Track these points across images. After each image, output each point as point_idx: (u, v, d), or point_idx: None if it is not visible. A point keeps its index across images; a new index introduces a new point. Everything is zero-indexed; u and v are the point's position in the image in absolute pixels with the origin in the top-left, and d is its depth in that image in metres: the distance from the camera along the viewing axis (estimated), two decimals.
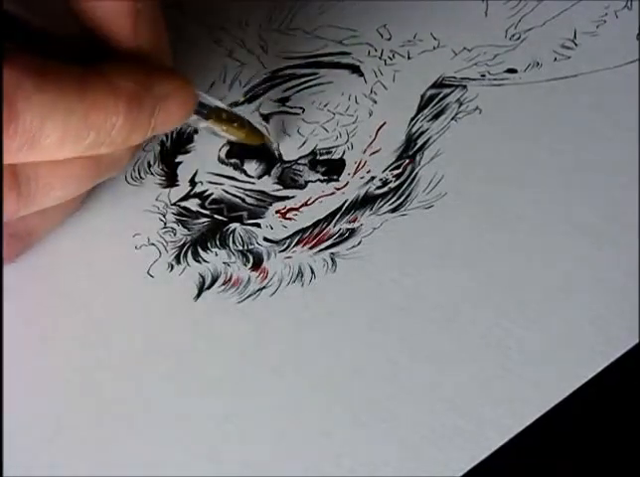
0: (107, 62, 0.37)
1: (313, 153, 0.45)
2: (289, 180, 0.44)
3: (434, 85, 0.46)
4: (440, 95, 0.46)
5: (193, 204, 0.44)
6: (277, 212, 0.43)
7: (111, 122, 0.37)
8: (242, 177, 0.45)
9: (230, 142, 0.46)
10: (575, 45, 0.46)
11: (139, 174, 0.45)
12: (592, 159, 0.43)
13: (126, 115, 0.37)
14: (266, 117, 0.47)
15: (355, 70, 0.48)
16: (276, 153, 0.45)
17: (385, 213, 0.42)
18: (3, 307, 0.41)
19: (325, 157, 0.45)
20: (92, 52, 0.38)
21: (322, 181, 0.44)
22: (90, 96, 0.36)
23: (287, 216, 0.43)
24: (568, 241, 0.40)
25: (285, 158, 0.45)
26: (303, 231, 0.42)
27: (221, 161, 0.45)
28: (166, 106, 0.39)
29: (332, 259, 0.41)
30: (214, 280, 0.41)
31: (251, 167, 0.45)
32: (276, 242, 0.42)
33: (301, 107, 0.46)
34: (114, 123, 0.37)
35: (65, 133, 0.35)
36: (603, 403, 0.37)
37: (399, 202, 0.43)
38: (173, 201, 0.44)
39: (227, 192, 0.44)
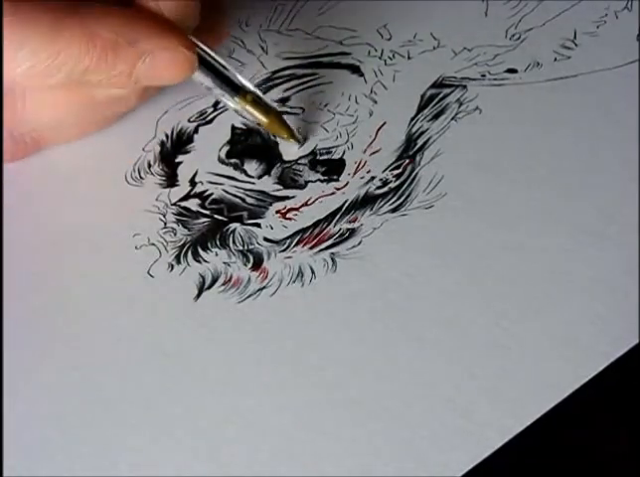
0: (97, 7, 0.39)
1: (313, 153, 0.45)
2: (289, 180, 0.44)
3: (434, 85, 0.46)
4: (440, 95, 0.46)
5: (193, 204, 0.44)
6: (277, 212, 0.43)
7: (83, 66, 0.39)
8: (243, 177, 0.45)
9: (230, 142, 0.46)
10: (576, 45, 0.46)
11: (139, 174, 0.45)
12: (592, 159, 0.43)
13: (99, 61, 0.39)
14: None
15: (355, 70, 0.48)
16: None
17: (385, 213, 0.42)
18: (3, 308, 0.41)
19: (325, 157, 0.45)
20: None
21: (322, 181, 0.44)
22: (62, 40, 0.39)
23: (287, 216, 0.43)
24: (569, 241, 0.40)
25: (285, 158, 0.45)
26: (303, 231, 0.42)
27: (221, 161, 0.45)
28: (152, 62, 0.40)
29: (332, 259, 0.41)
30: (214, 280, 0.41)
31: (252, 167, 0.45)
32: (276, 242, 0.42)
33: (301, 107, 0.46)
34: (87, 67, 0.39)
35: (34, 67, 0.39)
36: (603, 403, 0.37)
37: (399, 202, 0.43)
38: (173, 201, 0.44)
39: (227, 192, 0.44)
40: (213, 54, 0.43)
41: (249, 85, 0.44)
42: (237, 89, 0.44)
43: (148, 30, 0.40)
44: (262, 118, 0.44)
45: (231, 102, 0.44)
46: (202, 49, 0.43)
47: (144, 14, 0.41)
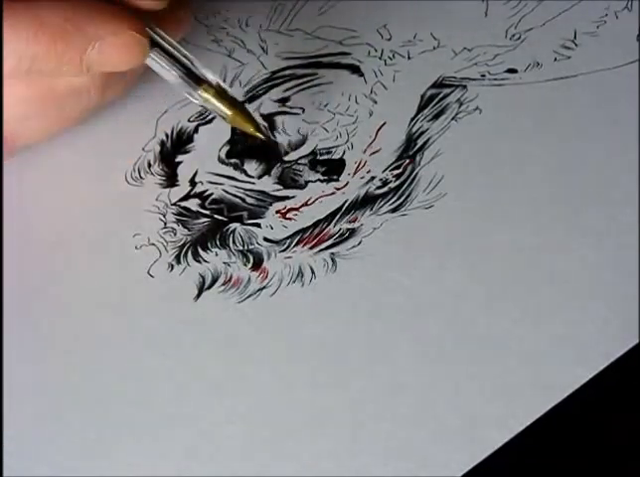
0: None
1: (313, 153, 0.45)
2: (289, 180, 0.44)
3: (434, 85, 0.46)
4: (440, 95, 0.46)
5: (193, 204, 0.44)
6: (277, 212, 0.43)
7: (31, 53, 0.39)
8: (243, 177, 0.45)
9: (230, 142, 0.46)
10: (576, 45, 0.46)
11: (139, 174, 0.45)
12: (592, 159, 0.43)
13: (48, 49, 0.39)
14: (267, 117, 0.46)
15: (355, 70, 0.48)
16: (281, 149, 0.45)
17: (385, 213, 0.42)
18: (3, 311, 0.41)
19: (325, 157, 0.45)
20: None
21: (322, 181, 0.44)
22: (11, 26, 0.39)
23: (287, 216, 0.43)
24: (569, 241, 0.40)
25: (285, 158, 0.45)
26: (303, 231, 0.42)
27: (221, 161, 0.45)
28: (102, 47, 0.40)
29: (332, 259, 0.41)
30: (214, 280, 0.41)
31: (252, 167, 0.45)
32: (276, 242, 0.42)
33: (301, 108, 0.46)
34: (35, 55, 0.39)
35: None
36: (603, 403, 0.37)
37: (399, 202, 0.43)
38: (173, 201, 0.44)
39: (227, 192, 0.44)
40: (174, 43, 0.43)
41: (213, 77, 0.43)
42: (199, 82, 0.43)
43: (97, 15, 0.40)
44: (226, 111, 0.43)
45: (194, 95, 0.43)
46: (163, 39, 0.42)
47: (94, 0, 0.40)
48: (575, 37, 0.47)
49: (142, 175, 0.45)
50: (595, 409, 0.37)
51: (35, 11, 0.39)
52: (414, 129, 0.45)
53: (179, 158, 0.46)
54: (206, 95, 0.43)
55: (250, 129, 0.44)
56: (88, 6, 0.40)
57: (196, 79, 0.43)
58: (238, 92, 0.48)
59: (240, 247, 0.42)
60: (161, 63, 0.43)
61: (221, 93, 0.43)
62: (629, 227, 0.41)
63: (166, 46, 0.43)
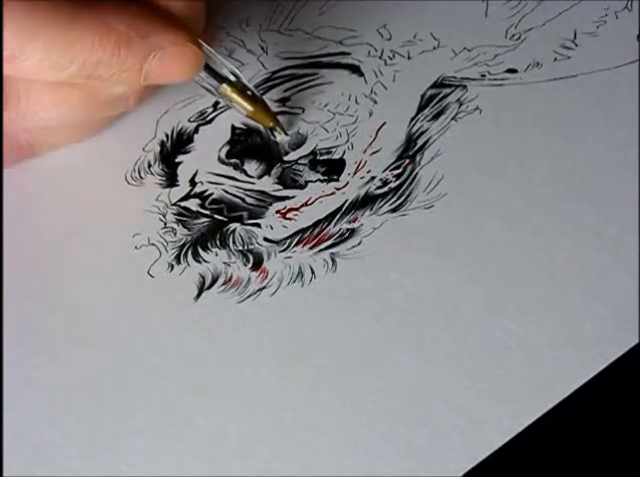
0: (111, 1, 0.39)
1: (313, 153, 0.45)
2: (289, 180, 0.44)
3: (434, 85, 0.46)
4: (440, 95, 0.46)
5: (193, 204, 0.44)
6: (277, 212, 0.43)
7: (96, 58, 0.39)
8: (243, 177, 0.45)
9: (230, 142, 0.46)
10: (576, 45, 0.46)
11: (139, 174, 0.45)
12: (592, 159, 0.43)
13: (112, 54, 0.39)
14: None
15: (355, 70, 0.48)
16: (281, 149, 0.45)
17: (385, 213, 0.42)
18: (3, 308, 0.41)
19: (325, 157, 0.45)
20: None
21: (322, 181, 0.44)
22: (77, 31, 0.38)
23: (287, 216, 0.43)
24: (569, 241, 0.40)
25: (285, 158, 0.45)
26: (303, 231, 0.42)
27: (221, 161, 0.45)
28: (162, 58, 0.40)
29: (332, 259, 0.41)
30: (214, 280, 0.41)
31: (251, 167, 0.45)
32: (276, 242, 0.42)
33: (301, 107, 0.46)
34: (99, 60, 0.39)
35: (44, 59, 0.38)
36: (604, 404, 0.37)
37: (399, 202, 0.43)
38: (173, 201, 0.44)
39: (227, 192, 0.44)
40: (203, 43, 0.43)
41: (237, 72, 0.44)
42: (222, 77, 0.43)
43: (160, 25, 0.40)
44: (247, 106, 0.44)
45: (216, 90, 0.44)
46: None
47: (156, 10, 0.41)
48: (575, 37, 0.47)
49: (142, 175, 0.45)
50: (595, 410, 0.37)
51: (102, 16, 0.39)
52: (414, 129, 0.45)
53: (179, 158, 0.46)
54: (227, 91, 0.43)
55: (270, 124, 0.44)
56: (152, 15, 0.40)
57: (217, 75, 0.43)
58: None
59: (240, 247, 0.42)
60: None
61: (241, 88, 0.44)
62: (629, 226, 0.40)
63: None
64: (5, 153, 0.44)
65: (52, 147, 0.45)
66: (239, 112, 0.44)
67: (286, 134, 0.45)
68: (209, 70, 0.43)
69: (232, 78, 0.44)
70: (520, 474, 0.36)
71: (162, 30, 0.40)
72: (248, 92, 0.44)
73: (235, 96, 0.44)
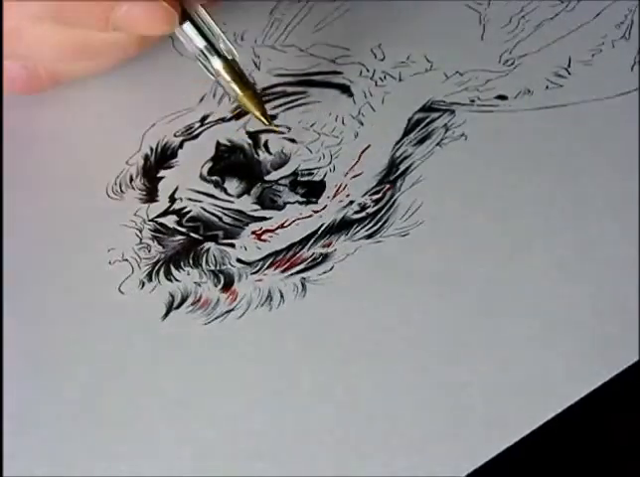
0: None
1: (295, 174, 0.45)
2: (268, 200, 0.44)
3: (422, 109, 0.46)
4: (428, 120, 0.45)
5: (170, 221, 0.44)
6: (253, 233, 0.43)
7: (57, 2, 0.40)
8: (222, 195, 0.44)
9: (213, 159, 0.46)
10: (569, 73, 0.46)
11: (120, 188, 0.45)
12: (574, 192, 0.42)
13: (74, 2, 0.40)
14: (252, 135, 0.46)
15: (345, 90, 0.47)
16: (263, 168, 0.45)
17: (360, 238, 0.42)
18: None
19: (306, 178, 0.44)
20: None
21: (301, 203, 0.44)
22: None
23: (262, 237, 0.43)
24: (545, 278, 0.40)
25: (266, 177, 0.45)
26: (277, 253, 0.42)
27: (202, 178, 0.45)
28: (130, 10, 0.41)
29: (302, 284, 0.41)
30: (183, 300, 0.41)
31: (232, 185, 0.45)
32: (249, 264, 0.42)
33: (287, 126, 0.46)
34: (62, 6, 0.41)
35: None
36: (603, 404, 0.37)
37: (375, 228, 0.42)
38: (151, 216, 0.44)
39: (205, 210, 0.44)
40: (204, 12, 0.43)
41: (235, 55, 0.43)
42: (218, 53, 0.43)
43: None
44: (238, 90, 0.43)
45: (210, 66, 0.43)
46: (194, 9, 0.43)
47: None
48: (570, 65, 0.46)
49: (123, 189, 0.45)
50: (596, 410, 0.36)
51: None
52: (398, 154, 0.44)
53: (161, 173, 0.46)
54: (220, 69, 0.43)
55: (257, 113, 0.44)
56: None
57: (216, 52, 0.43)
58: (226, 108, 0.48)
59: (213, 267, 0.42)
60: (186, 31, 0.43)
61: (237, 72, 0.43)
62: (613, 265, 0.40)
63: (195, 16, 0.43)
64: (26, 82, 0.46)
65: (74, 77, 0.47)
66: (228, 94, 0.44)
67: (270, 124, 0.44)
68: (207, 43, 0.43)
69: (228, 57, 0.43)
70: (520, 474, 0.36)
71: None
72: (243, 76, 0.44)
73: (227, 77, 0.43)
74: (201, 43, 0.43)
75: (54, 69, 0.46)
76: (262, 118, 0.44)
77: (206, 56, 0.43)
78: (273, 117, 0.47)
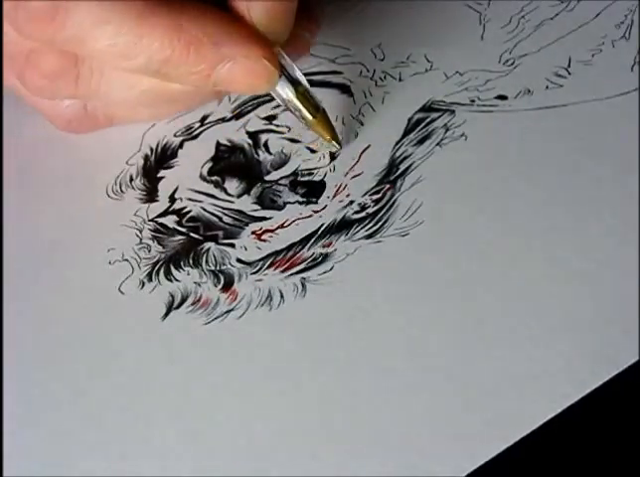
0: (191, 3, 0.39)
1: (295, 174, 0.45)
2: (268, 200, 0.44)
3: (422, 109, 0.46)
4: (428, 120, 0.45)
5: (170, 221, 0.44)
6: (253, 233, 0.43)
7: (163, 56, 0.39)
8: (222, 195, 0.44)
9: (213, 159, 0.46)
10: (569, 73, 0.45)
11: (120, 188, 0.45)
12: (574, 192, 0.42)
13: (180, 56, 0.39)
14: (252, 135, 0.46)
15: (345, 90, 0.47)
16: (263, 168, 0.45)
17: (360, 238, 0.42)
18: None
19: (306, 178, 0.44)
20: None
21: (301, 203, 0.44)
22: (147, 25, 0.39)
23: (262, 237, 0.43)
24: (546, 277, 0.40)
25: (267, 177, 0.45)
26: (277, 253, 0.42)
27: (202, 178, 0.45)
28: (232, 68, 0.40)
29: (302, 284, 0.41)
30: (183, 300, 0.41)
31: (232, 185, 0.45)
32: (249, 264, 0.42)
33: (287, 126, 0.46)
34: (167, 59, 0.39)
35: (114, 45, 0.39)
36: (611, 409, 0.37)
37: (375, 228, 0.42)
38: (151, 216, 0.44)
39: (205, 210, 0.44)
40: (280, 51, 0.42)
41: (304, 81, 0.43)
42: (291, 81, 0.43)
43: (235, 35, 0.40)
44: (309, 116, 0.43)
45: (283, 93, 0.43)
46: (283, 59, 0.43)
47: (234, 20, 0.40)
48: (570, 65, 0.46)
49: (123, 189, 0.45)
50: (596, 410, 0.36)
51: (176, 17, 0.39)
52: (398, 154, 0.44)
53: (161, 173, 0.46)
54: (291, 96, 0.43)
55: (327, 137, 0.44)
56: (228, 23, 0.40)
57: (289, 79, 0.43)
58: (226, 108, 0.48)
59: (213, 267, 0.42)
60: None
61: (307, 97, 0.43)
62: (616, 263, 0.40)
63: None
64: (82, 122, 0.45)
65: (131, 121, 0.46)
66: (299, 120, 0.44)
67: (340, 147, 0.44)
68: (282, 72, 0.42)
69: (303, 81, 0.43)
70: (520, 474, 0.36)
71: (236, 41, 0.40)
72: (312, 100, 0.43)
73: (298, 103, 0.43)
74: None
75: (116, 112, 0.45)
76: (334, 142, 0.44)
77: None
78: (273, 118, 0.46)
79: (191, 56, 0.39)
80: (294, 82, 0.43)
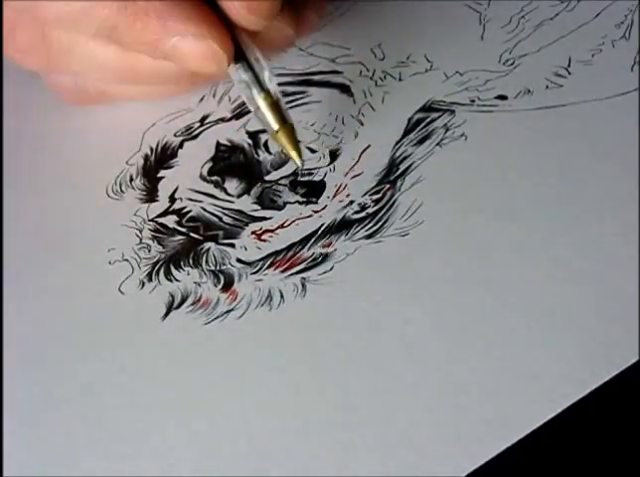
0: None
1: (295, 174, 0.45)
2: (268, 200, 0.44)
3: (422, 109, 0.46)
4: (428, 120, 0.45)
5: (170, 221, 0.44)
6: (253, 233, 0.43)
7: (112, 22, 0.41)
8: (222, 195, 0.44)
9: (213, 159, 0.46)
10: (569, 73, 0.45)
11: (120, 188, 0.45)
12: (574, 192, 0.42)
13: (128, 24, 0.40)
14: (252, 135, 0.46)
15: (345, 89, 0.47)
16: (263, 168, 0.45)
17: (360, 239, 0.42)
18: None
19: (306, 178, 0.44)
20: None
21: (301, 203, 0.44)
22: None
23: (262, 237, 0.43)
24: (546, 277, 0.40)
25: (267, 178, 0.45)
26: (277, 253, 0.42)
27: (202, 178, 0.45)
28: (179, 45, 0.40)
29: (302, 284, 0.41)
30: (183, 300, 0.41)
31: (232, 185, 0.45)
32: (249, 264, 0.42)
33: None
34: (116, 25, 0.41)
35: (67, 13, 0.41)
36: (613, 408, 0.36)
37: (375, 228, 0.42)
38: (151, 216, 0.44)
39: (205, 210, 0.44)
40: (255, 49, 0.42)
41: (275, 89, 0.43)
42: (260, 85, 0.42)
43: (184, 12, 0.40)
44: (274, 124, 0.42)
45: (252, 97, 0.42)
46: (246, 45, 0.42)
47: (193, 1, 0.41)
48: (570, 65, 0.46)
49: (123, 189, 0.45)
50: (596, 410, 0.36)
51: None
52: (398, 154, 0.44)
53: (161, 173, 0.46)
54: (262, 103, 0.42)
55: (292, 152, 0.43)
56: (181, 1, 0.40)
57: (259, 85, 0.42)
58: (226, 108, 0.48)
59: (213, 267, 0.42)
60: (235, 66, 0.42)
61: (276, 107, 0.42)
62: (614, 263, 0.40)
63: (247, 54, 0.42)
64: (73, 92, 0.46)
65: (122, 99, 0.47)
66: (263, 126, 0.43)
67: (302, 165, 0.44)
68: (251, 73, 0.42)
69: (271, 90, 0.42)
70: (520, 474, 0.36)
71: (182, 17, 0.40)
72: (282, 111, 0.43)
73: (265, 109, 0.42)
74: (245, 74, 0.42)
75: (101, 87, 0.46)
76: (296, 159, 0.43)
77: (248, 86, 0.42)
78: None
79: (138, 25, 0.40)
80: (266, 90, 0.42)
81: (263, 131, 0.46)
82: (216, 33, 0.41)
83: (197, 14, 0.40)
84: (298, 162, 0.43)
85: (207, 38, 0.40)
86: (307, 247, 0.42)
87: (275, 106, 0.43)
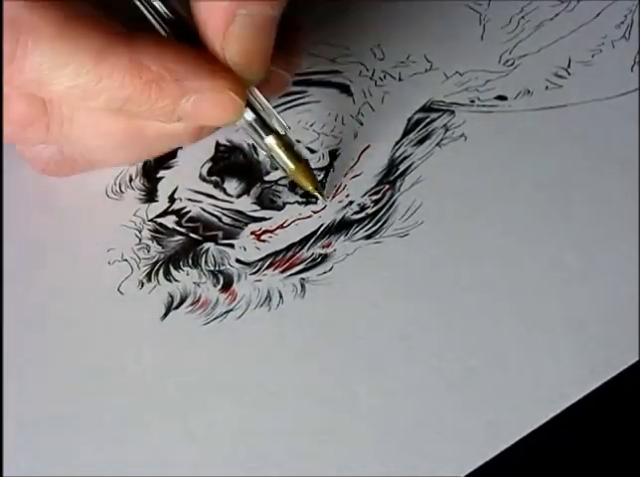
0: (151, 39, 0.38)
1: None
2: (268, 201, 0.44)
3: (422, 109, 0.46)
4: (427, 120, 0.45)
5: (169, 221, 0.44)
6: (252, 233, 0.43)
7: (125, 94, 0.38)
8: (222, 195, 0.44)
9: (213, 159, 0.45)
10: (569, 74, 0.45)
11: (120, 188, 0.45)
12: (574, 192, 0.42)
13: (142, 93, 0.38)
14: None
15: (344, 89, 0.47)
16: (262, 169, 0.44)
17: (359, 239, 0.42)
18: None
19: None
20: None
21: (300, 203, 0.43)
22: (107, 65, 0.37)
23: (262, 238, 0.43)
24: (546, 278, 0.40)
25: (266, 178, 0.45)
26: (276, 254, 0.42)
27: (202, 178, 0.45)
28: (197, 102, 0.39)
29: (302, 285, 0.41)
30: (182, 300, 0.41)
31: (232, 185, 0.45)
32: (248, 264, 0.42)
33: (287, 126, 0.46)
34: (129, 96, 0.38)
35: (73, 87, 0.37)
36: (612, 408, 0.37)
37: (374, 228, 0.42)
38: (150, 217, 0.44)
39: (204, 210, 0.44)
40: (258, 93, 0.41)
41: (286, 129, 0.42)
42: (269, 128, 0.41)
43: (198, 68, 0.39)
44: (290, 164, 0.42)
45: (261, 142, 0.42)
46: (255, 96, 0.41)
47: (200, 52, 0.39)
48: (569, 65, 0.46)
49: (123, 189, 0.45)
50: (596, 410, 0.37)
51: (136, 53, 0.38)
52: (398, 154, 0.44)
53: (161, 173, 0.46)
54: (272, 144, 0.42)
55: (310, 188, 0.43)
56: (191, 57, 0.39)
57: (266, 128, 0.41)
58: None
59: (212, 268, 0.42)
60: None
61: (287, 146, 0.42)
62: (613, 262, 0.40)
63: (253, 100, 0.41)
64: (59, 165, 0.43)
65: (112, 164, 0.45)
66: (280, 168, 0.43)
67: (323, 197, 0.43)
68: (258, 118, 0.41)
69: (280, 131, 0.41)
70: (520, 474, 0.36)
71: (198, 74, 0.39)
72: (294, 149, 0.42)
73: (279, 151, 0.42)
74: (250, 116, 0.41)
75: (93, 156, 0.43)
76: (316, 193, 0.43)
77: (254, 128, 0.41)
78: None
79: (153, 93, 0.38)
80: (273, 130, 0.41)
81: None
82: (229, 81, 0.39)
83: (207, 66, 0.39)
84: (319, 196, 0.43)
85: (224, 88, 0.39)
86: (306, 248, 0.42)
87: (287, 147, 0.42)
